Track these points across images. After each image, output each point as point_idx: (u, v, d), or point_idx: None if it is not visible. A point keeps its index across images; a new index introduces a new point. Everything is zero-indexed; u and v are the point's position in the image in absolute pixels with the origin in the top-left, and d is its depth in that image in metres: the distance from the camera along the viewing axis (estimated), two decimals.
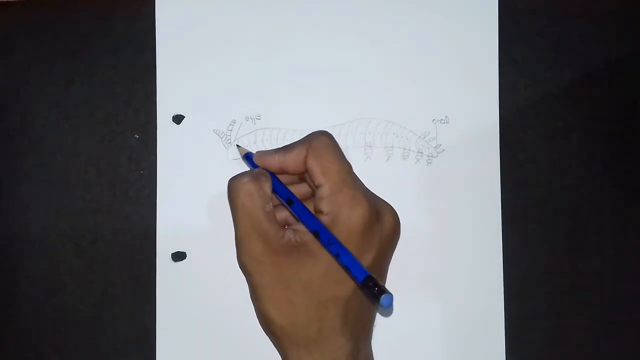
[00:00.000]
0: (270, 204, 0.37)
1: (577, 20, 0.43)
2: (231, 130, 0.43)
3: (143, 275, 0.42)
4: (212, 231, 0.42)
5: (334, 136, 0.42)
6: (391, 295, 0.32)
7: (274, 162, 0.38)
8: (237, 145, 0.42)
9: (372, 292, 0.32)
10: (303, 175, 0.39)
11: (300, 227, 0.37)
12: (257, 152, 0.40)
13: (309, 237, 0.36)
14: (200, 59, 0.43)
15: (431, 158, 0.43)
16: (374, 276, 0.33)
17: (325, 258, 0.35)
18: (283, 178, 0.39)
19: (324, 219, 0.36)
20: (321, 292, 0.35)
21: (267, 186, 0.37)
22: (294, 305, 0.35)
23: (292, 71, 0.43)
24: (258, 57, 0.43)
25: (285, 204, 0.38)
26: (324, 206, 0.36)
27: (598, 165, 0.43)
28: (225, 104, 0.43)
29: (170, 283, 0.42)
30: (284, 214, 0.39)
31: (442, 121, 0.43)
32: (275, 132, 0.43)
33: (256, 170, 0.38)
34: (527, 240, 0.43)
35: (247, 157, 0.40)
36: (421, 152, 0.43)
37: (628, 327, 0.43)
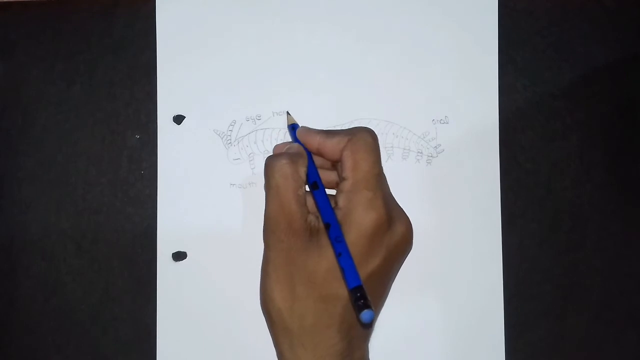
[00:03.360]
0: (303, 188, 0.37)
1: (577, 20, 0.43)
2: (231, 131, 0.43)
3: (143, 275, 0.42)
4: (212, 231, 0.42)
5: None
6: (372, 312, 0.32)
7: (314, 142, 0.38)
8: (287, 113, 0.42)
9: (357, 303, 0.32)
10: (336, 164, 0.39)
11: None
12: (302, 126, 0.40)
13: (324, 229, 0.36)
14: (200, 59, 0.43)
15: (431, 158, 0.43)
16: (366, 287, 0.33)
17: (331, 253, 0.35)
18: (317, 160, 0.39)
19: (337, 214, 0.36)
20: (323, 286, 0.35)
21: (303, 170, 0.37)
22: (295, 292, 0.36)
23: (292, 71, 0.43)
24: (258, 57, 0.43)
25: (310, 186, 0.38)
26: (341, 200, 0.36)
27: (598, 165, 0.43)
28: (225, 104, 0.43)
29: (170, 283, 0.42)
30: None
31: (442, 121, 0.43)
32: (276, 132, 0.43)
33: (294, 150, 0.38)
34: (527, 240, 0.43)
35: (293, 127, 0.40)
36: (421, 152, 0.43)
37: (628, 327, 0.43)
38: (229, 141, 0.43)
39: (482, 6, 0.43)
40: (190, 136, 0.43)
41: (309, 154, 0.39)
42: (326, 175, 0.39)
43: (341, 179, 0.37)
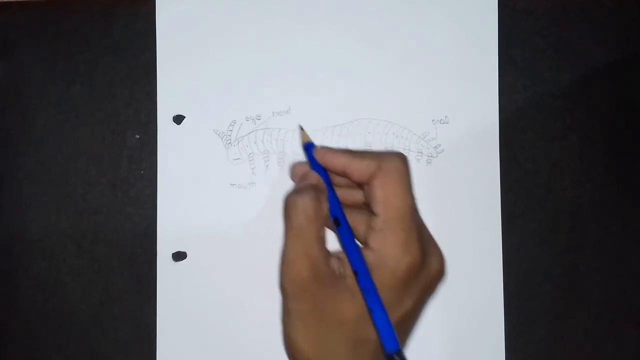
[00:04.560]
0: (324, 227, 0.34)
1: (577, 20, 0.43)
2: (231, 131, 0.43)
3: (143, 275, 0.42)
4: (212, 231, 0.42)
5: (334, 136, 0.42)
6: None
7: (337, 163, 0.35)
8: (301, 128, 0.39)
9: None
10: (362, 186, 0.36)
11: (345, 257, 0.34)
12: (322, 147, 0.37)
13: (351, 271, 0.33)
14: (200, 59, 0.43)
15: (431, 158, 0.43)
16: (399, 328, 0.31)
17: (362, 298, 0.33)
18: (337, 178, 0.36)
19: (369, 256, 0.33)
20: (355, 332, 0.33)
21: (326, 207, 0.34)
22: (325, 339, 0.33)
23: (292, 71, 0.43)
24: (258, 57, 0.43)
25: (332, 221, 0.34)
26: (373, 240, 0.33)
27: (598, 165, 0.43)
28: (225, 104, 0.43)
29: (170, 283, 0.42)
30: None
31: (442, 121, 0.43)
32: (276, 132, 0.43)
33: (315, 182, 0.35)
34: (527, 240, 0.43)
35: (307, 147, 0.37)
36: (421, 152, 0.43)
37: (628, 327, 0.43)
38: (229, 141, 0.43)
39: (482, 6, 0.43)
40: (190, 136, 0.43)
41: (329, 181, 0.35)
42: (350, 195, 0.36)
43: (370, 211, 0.34)
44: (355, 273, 0.33)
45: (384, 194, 0.33)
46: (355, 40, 0.43)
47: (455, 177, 0.43)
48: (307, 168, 0.37)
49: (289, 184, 0.42)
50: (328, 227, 0.36)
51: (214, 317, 0.42)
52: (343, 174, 0.35)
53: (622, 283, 0.43)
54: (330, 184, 0.35)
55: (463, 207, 0.42)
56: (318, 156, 0.36)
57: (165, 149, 0.43)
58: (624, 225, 0.43)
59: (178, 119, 0.43)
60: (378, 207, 0.33)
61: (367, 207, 0.35)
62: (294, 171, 0.38)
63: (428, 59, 0.43)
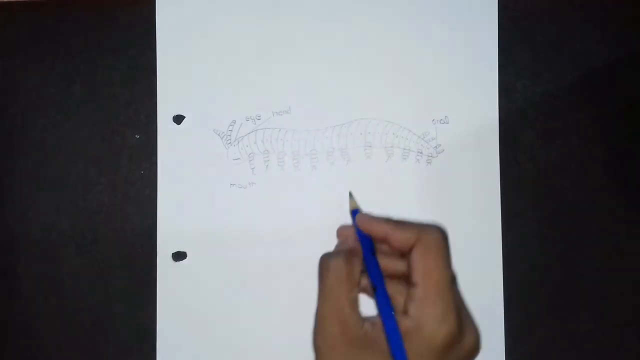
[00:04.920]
0: (356, 289, 0.35)
1: (577, 20, 0.43)
2: (231, 130, 0.43)
3: (143, 275, 0.42)
4: (212, 231, 0.42)
5: (334, 136, 0.42)
6: None
7: (380, 231, 0.36)
8: (350, 195, 0.41)
9: None
10: (404, 255, 0.37)
11: (379, 322, 0.35)
12: (364, 214, 0.38)
13: (384, 336, 0.34)
14: (200, 59, 0.43)
15: (431, 158, 0.43)
16: None
17: None
18: (382, 246, 0.37)
19: (406, 323, 0.34)
20: None
21: (358, 270, 0.36)
22: None
23: (292, 71, 0.43)
24: (258, 57, 0.43)
25: (371, 285, 0.36)
26: (412, 309, 0.34)
27: (598, 165, 0.43)
28: (225, 104, 0.43)
29: (170, 283, 0.42)
30: (363, 281, 0.37)
31: (442, 121, 0.43)
32: (276, 132, 0.43)
33: (349, 247, 0.37)
34: (527, 240, 0.43)
35: (354, 214, 0.39)
36: (421, 152, 0.43)
37: (628, 327, 0.43)
38: (228, 141, 0.43)
39: (482, 6, 0.43)
40: (190, 136, 0.43)
41: (370, 246, 0.37)
42: (392, 265, 0.37)
43: (410, 282, 0.35)
44: (389, 337, 0.34)
45: (423, 265, 0.34)
46: (355, 40, 0.43)
47: (455, 177, 0.43)
48: (351, 232, 0.38)
49: (288, 184, 0.42)
50: (366, 293, 0.37)
51: (214, 317, 0.42)
52: (384, 242, 0.37)
53: (622, 283, 0.43)
54: (371, 250, 0.37)
55: (463, 207, 0.42)
56: (360, 223, 0.37)
57: (165, 149, 0.43)
58: (624, 225, 0.43)
59: (178, 119, 0.43)
60: (418, 277, 0.34)
61: (406, 279, 0.36)
62: (338, 233, 0.40)
63: (428, 59, 0.43)
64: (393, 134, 0.43)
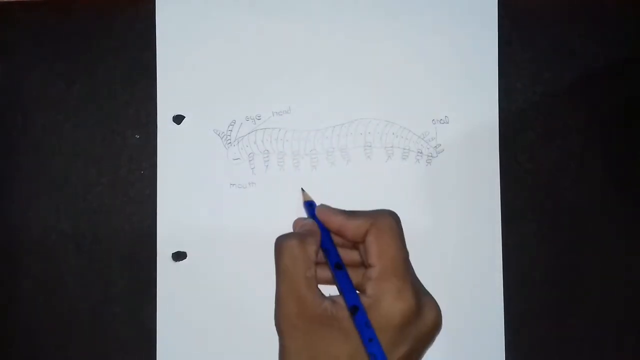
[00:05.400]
0: (313, 268, 0.36)
1: (577, 20, 0.43)
2: (231, 130, 0.43)
3: (143, 275, 0.42)
4: (212, 231, 0.42)
5: (334, 136, 0.42)
6: None
7: (334, 223, 0.38)
8: (302, 190, 0.42)
9: None
10: (357, 245, 0.38)
11: (339, 300, 0.36)
12: (321, 205, 0.40)
13: (344, 313, 0.35)
14: (200, 59, 0.43)
15: (431, 158, 0.43)
16: None
17: (355, 339, 0.35)
18: (336, 239, 0.39)
19: (365, 301, 0.35)
20: None
21: (312, 249, 0.36)
22: None
23: (292, 71, 0.43)
24: (258, 57, 0.43)
25: (332, 268, 0.37)
26: (369, 288, 0.35)
27: (598, 165, 0.43)
28: (225, 104, 0.43)
29: (170, 283, 0.42)
30: (326, 273, 0.39)
31: (442, 121, 0.43)
32: (275, 132, 0.43)
33: (306, 228, 0.38)
34: (527, 240, 0.43)
35: (309, 205, 0.40)
36: (421, 152, 0.43)
37: (628, 327, 0.43)
38: (228, 141, 0.43)
39: (482, 6, 0.43)
40: (190, 136, 0.43)
41: (328, 233, 0.38)
42: (348, 255, 0.38)
43: (367, 264, 0.36)
44: (354, 309, 0.34)
45: (378, 246, 0.36)
46: (355, 40, 0.43)
47: (455, 177, 0.43)
48: (306, 223, 0.39)
49: (288, 184, 0.42)
50: (327, 283, 0.38)
51: (214, 317, 0.42)
52: (338, 233, 0.38)
53: (622, 283, 0.43)
54: (329, 236, 0.38)
55: (463, 207, 0.42)
56: (318, 213, 0.39)
57: (165, 149, 0.43)
58: (624, 225, 0.43)
59: (178, 119, 0.43)
60: (373, 259, 0.36)
61: (363, 266, 0.37)
62: (294, 225, 0.40)
63: (428, 59, 0.43)
64: (393, 134, 0.43)
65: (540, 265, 0.43)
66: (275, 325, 0.37)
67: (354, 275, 0.37)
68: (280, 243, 0.37)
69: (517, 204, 0.43)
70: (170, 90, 0.43)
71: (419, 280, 0.38)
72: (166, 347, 0.42)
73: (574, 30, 0.43)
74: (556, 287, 0.43)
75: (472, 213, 0.42)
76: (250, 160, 0.43)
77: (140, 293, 0.42)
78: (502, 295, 0.42)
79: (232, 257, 0.42)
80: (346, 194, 0.42)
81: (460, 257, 0.42)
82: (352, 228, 0.37)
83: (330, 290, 0.38)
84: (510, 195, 0.43)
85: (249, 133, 0.43)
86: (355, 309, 0.34)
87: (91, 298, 0.43)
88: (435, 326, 0.37)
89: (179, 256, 0.42)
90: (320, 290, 0.36)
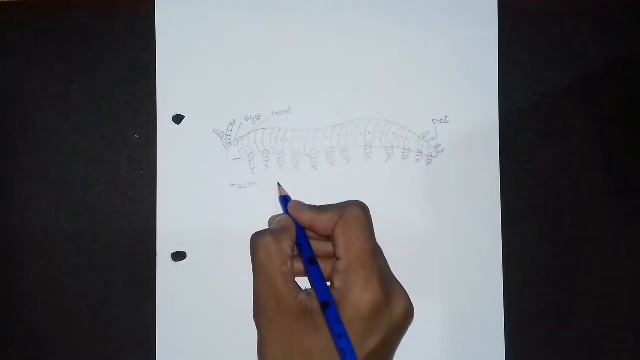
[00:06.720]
0: (289, 263, 0.36)
1: (577, 20, 0.43)
2: (231, 130, 0.43)
3: (143, 275, 0.42)
4: (212, 231, 0.42)
5: (334, 136, 0.42)
6: None
7: (306, 218, 0.38)
8: (279, 185, 0.42)
9: None
10: (331, 239, 0.38)
11: (315, 294, 0.36)
12: (294, 201, 0.40)
13: (318, 307, 0.35)
14: (200, 59, 0.43)
15: (431, 158, 0.43)
16: None
17: (328, 333, 0.35)
18: (312, 233, 0.39)
19: (334, 294, 0.35)
20: None
21: (287, 245, 0.36)
22: None
23: (292, 71, 0.43)
24: (258, 57, 0.43)
25: (305, 262, 0.37)
26: (337, 281, 0.36)
27: (598, 165, 0.43)
28: (225, 104, 0.43)
29: (170, 283, 0.42)
30: (302, 266, 0.39)
31: (442, 121, 0.43)
32: (275, 132, 0.43)
33: (281, 224, 0.38)
34: (527, 240, 0.43)
35: (284, 199, 0.40)
36: (421, 152, 0.43)
37: (628, 327, 0.43)
38: (228, 141, 0.43)
39: (482, 6, 0.43)
40: (190, 136, 0.43)
41: (302, 229, 0.38)
42: (322, 247, 0.39)
43: (336, 257, 0.37)
44: (325, 305, 0.35)
45: (345, 238, 0.36)
46: (355, 40, 0.43)
47: (455, 177, 0.43)
48: (280, 219, 0.39)
49: (289, 184, 0.42)
50: (302, 276, 0.38)
51: (213, 317, 0.42)
52: (310, 229, 0.38)
53: (622, 283, 0.43)
54: (303, 231, 0.38)
55: (463, 207, 0.42)
56: (290, 210, 0.39)
57: (165, 149, 0.43)
58: (624, 226, 0.43)
59: (177, 119, 0.43)
60: (341, 251, 0.36)
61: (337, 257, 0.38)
62: (269, 221, 0.41)
63: (428, 59, 0.43)
64: (393, 133, 0.43)
65: (540, 265, 0.43)
66: (254, 318, 0.37)
67: (329, 268, 0.37)
68: (255, 240, 0.37)
69: (517, 204, 0.43)
70: (170, 90, 0.43)
71: (390, 271, 0.38)
72: (166, 347, 0.42)
73: (574, 30, 0.43)
74: (556, 287, 0.43)
75: (472, 213, 0.42)
76: (250, 160, 0.43)
77: (140, 293, 0.42)
78: (502, 295, 0.42)
79: (232, 257, 0.42)
80: (346, 194, 0.42)
81: (460, 257, 0.42)
82: (322, 223, 0.37)
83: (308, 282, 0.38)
84: (510, 195, 0.43)
85: (248, 133, 0.43)
86: (327, 305, 0.35)
87: (91, 298, 0.43)
88: (406, 316, 0.37)
89: (178, 256, 0.42)
90: (297, 284, 0.36)
